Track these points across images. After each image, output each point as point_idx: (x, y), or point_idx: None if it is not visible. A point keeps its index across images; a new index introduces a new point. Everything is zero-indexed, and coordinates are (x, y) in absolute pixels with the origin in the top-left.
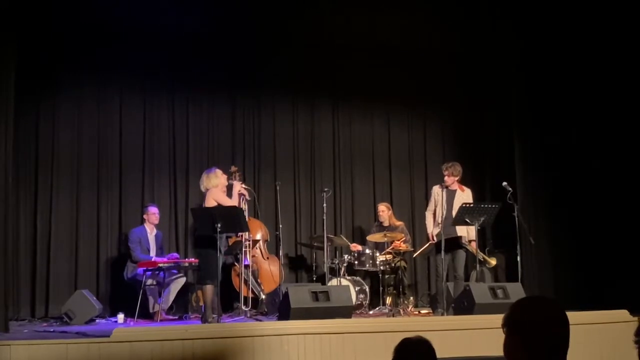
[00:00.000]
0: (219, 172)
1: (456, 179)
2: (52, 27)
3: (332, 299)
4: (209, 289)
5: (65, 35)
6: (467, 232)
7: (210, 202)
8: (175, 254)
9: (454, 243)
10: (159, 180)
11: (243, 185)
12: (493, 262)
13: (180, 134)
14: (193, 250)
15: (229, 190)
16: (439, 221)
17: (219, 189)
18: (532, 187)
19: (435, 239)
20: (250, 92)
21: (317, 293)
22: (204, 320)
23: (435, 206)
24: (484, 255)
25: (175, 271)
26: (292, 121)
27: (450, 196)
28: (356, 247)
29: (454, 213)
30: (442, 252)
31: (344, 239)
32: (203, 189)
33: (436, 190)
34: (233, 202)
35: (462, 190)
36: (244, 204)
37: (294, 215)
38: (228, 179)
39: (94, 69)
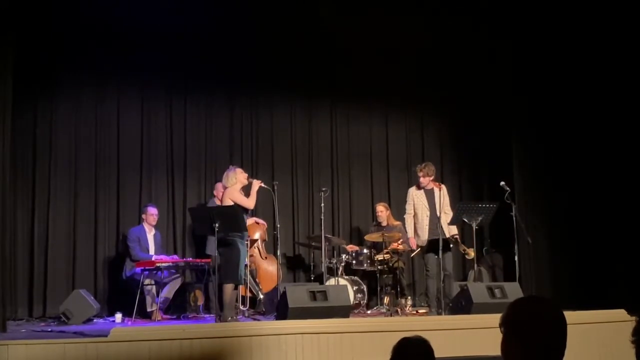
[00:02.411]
0: (238, 170)
1: (431, 178)
2: (51, 27)
3: (330, 299)
4: (229, 287)
5: (64, 35)
6: (449, 230)
7: (226, 202)
8: (175, 256)
9: (443, 243)
10: (157, 180)
11: (262, 184)
12: (472, 253)
13: (178, 134)
14: (217, 250)
15: (248, 188)
16: (426, 223)
17: (236, 187)
18: (529, 186)
19: (415, 243)
20: (248, 92)
21: (315, 293)
22: (223, 319)
23: (415, 209)
24: (464, 247)
25: (173, 271)
26: (290, 121)
27: (430, 196)
28: (352, 247)
29: (437, 212)
30: (440, 251)
31: (341, 240)
32: (223, 184)
33: (413, 192)
34: (251, 200)
35: (440, 188)
36: None
37: (292, 215)
38: (248, 178)
39: (92, 68)
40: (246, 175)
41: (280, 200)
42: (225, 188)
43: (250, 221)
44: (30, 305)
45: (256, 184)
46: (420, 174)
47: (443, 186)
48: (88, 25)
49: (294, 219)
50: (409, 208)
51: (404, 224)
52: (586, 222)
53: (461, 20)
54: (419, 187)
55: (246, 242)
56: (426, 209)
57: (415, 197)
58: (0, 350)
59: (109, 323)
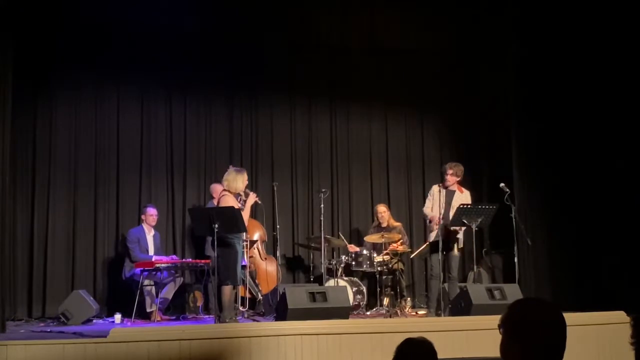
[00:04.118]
0: (246, 176)
1: (457, 179)
2: (51, 27)
3: (329, 300)
4: (228, 289)
5: (64, 35)
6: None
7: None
8: (175, 257)
9: (451, 242)
10: (157, 181)
11: (257, 200)
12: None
13: (178, 134)
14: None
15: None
16: (436, 222)
17: (231, 195)
18: (529, 188)
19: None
20: (247, 92)
21: (315, 294)
22: (221, 320)
23: (432, 205)
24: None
25: (172, 271)
26: (289, 121)
27: (449, 196)
28: (353, 248)
29: (451, 214)
30: (440, 252)
31: (343, 238)
32: (225, 185)
33: (435, 189)
34: (245, 213)
35: (461, 192)
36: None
37: (292, 215)
38: (246, 188)
39: (92, 68)
40: (247, 183)
41: (280, 200)
42: (224, 189)
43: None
44: (29, 306)
45: (252, 198)
46: (450, 172)
47: (466, 191)
48: (87, 25)
49: (294, 220)
50: (427, 203)
51: (404, 224)
52: (586, 224)
53: (461, 20)
54: (441, 186)
55: (245, 243)
56: (441, 208)
57: (436, 194)
58: (0, 351)
59: (108, 324)
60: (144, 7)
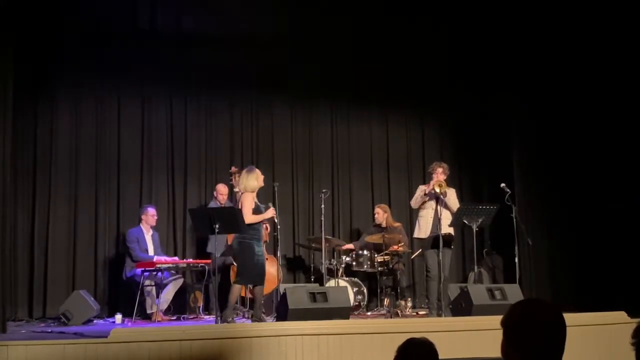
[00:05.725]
0: (258, 172)
1: (445, 177)
2: (51, 28)
3: (330, 300)
4: (237, 289)
5: (64, 35)
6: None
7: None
8: (176, 258)
9: (444, 241)
10: (157, 181)
11: (275, 217)
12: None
13: (179, 134)
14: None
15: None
16: (431, 215)
17: (253, 196)
18: (530, 188)
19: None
20: (248, 92)
21: (315, 294)
22: (223, 319)
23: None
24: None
25: (173, 272)
26: (290, 121)
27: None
28: (347, 246)
29: (439, 211)
30: (440, 250)
31: (338, 240)
32: (241, 189)
33: (423, 189)
34: (255, 219)
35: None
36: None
37: (292, 216)
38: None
39: (92, 69)
40: (263, 177)
41: (281, 201)
42: (241, 191)
43: None
44: (30, 306)
45: (270, 213)
46: (439, 169)
47: (452, 188)
48: (87, 26)
49: (294, 220)
50: (415, 196)
51: (404, 224)
52: (587, 224)
53: (461, 21)
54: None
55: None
56: (431, 205)
57: (422, 193)
58: (0, 351)
59: (109, 324)
60: (144, 6)
